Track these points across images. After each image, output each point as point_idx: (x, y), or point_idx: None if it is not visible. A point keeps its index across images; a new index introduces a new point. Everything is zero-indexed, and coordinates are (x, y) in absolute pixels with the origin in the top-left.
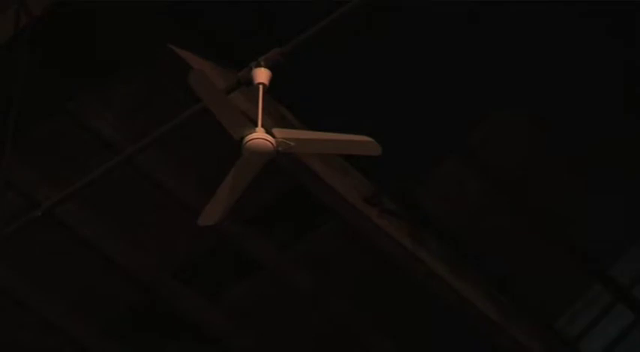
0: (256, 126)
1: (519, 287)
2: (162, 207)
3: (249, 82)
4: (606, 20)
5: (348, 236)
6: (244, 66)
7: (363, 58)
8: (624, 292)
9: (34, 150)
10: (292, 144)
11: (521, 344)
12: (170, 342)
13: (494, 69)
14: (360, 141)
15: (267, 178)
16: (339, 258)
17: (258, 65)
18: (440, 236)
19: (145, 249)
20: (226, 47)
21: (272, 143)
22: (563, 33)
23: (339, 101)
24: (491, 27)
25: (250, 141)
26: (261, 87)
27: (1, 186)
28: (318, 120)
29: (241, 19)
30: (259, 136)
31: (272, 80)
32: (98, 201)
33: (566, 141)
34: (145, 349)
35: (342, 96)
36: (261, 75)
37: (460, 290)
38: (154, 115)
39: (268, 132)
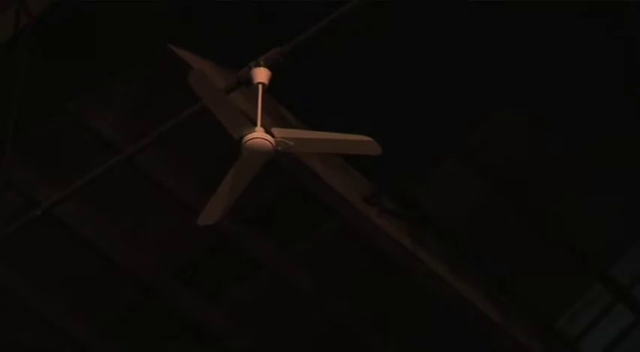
0: (256, 125)
1: (519, 287)
2: (162, 207)
3: (248, 82)
4: (606, 20)
5: (348, 235)
6: (244, 66)
7: (363, 58)
8: (624, 292)
9: (34, 150)
10: (292, 143)
11: (521, 344)
12: (170, 342)
13: (494, 69)
14: (359, 141)
15: (267, 178)
16: (339, 258)
17: (258, 65)
18: (440, 236)
19: (145, 249)
20: (226, 47)
21: (271, 143)
22: (563, 33)
23: (338, 101)
24: (491, 27)
25: (250, 141)
26: (260, 86)
27: (1, 186)
28: (317, 120)
29: (241, 19)
30: (259, 136)
31: (271, 80)
32: (98, 201)
33: (566, 141)
34: (145, 349)
35: (342, 96)
36: (261, 74)
37: (460, 290)
38: (154, 115)
39: (268, 131)
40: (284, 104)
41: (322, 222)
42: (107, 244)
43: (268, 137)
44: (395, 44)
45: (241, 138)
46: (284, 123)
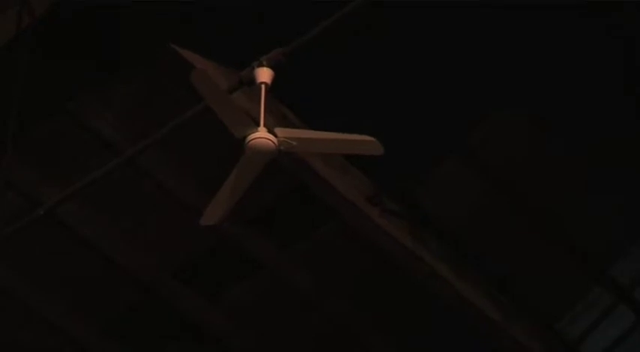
0: (258, 125)
1: (519, 288)
2: (162, 207)
3: (251, 82)
4: (606, 20)
5: (347, 236)
6: (245, 66)
7: (363, 58)
8: (624, 293)
9: (34, 150)
10: (294, 143)
11: (521, 344)
12: (170, 342)
13: (494, 69)
14: (362, 141)
15: (268, 179)
16: (338, 258)
17: (261, 65)
18: (440, 236)
19: (145, 249)
20: (226, 47)
21: (274, 142)
22: (563, 33)
23: (339, 101)
24: (491, 27)
25: (253, 141)
26: (263, 86)
27: (1, 186)
28: (317, 121)
29: (241, 19)
30: (262, 136)
31: (273, 80)
32: (98, 201)
33: (566, 141)
34: (145, 349)
35: (342, 96)
36: (264, 74)
37: (460, 289)
38: (154, 115)
39: (271, 131)
40: (284, 104)
41: (322, 222)
42: (107, 244)
43: (271, 137)
44: (395, 44)
45: (244, 137)
46: (286, 123)
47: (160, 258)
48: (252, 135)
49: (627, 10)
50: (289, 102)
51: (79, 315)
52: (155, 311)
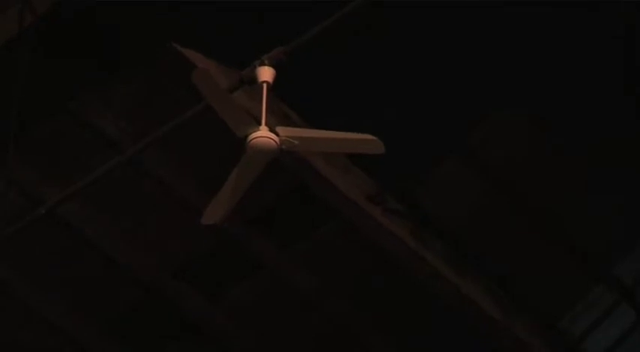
0: (260, 124)
1: (519, 288)
2: (162, 207)
3: (252, 81)
4: (606, 20)
5: (348, 236)
6: (245, 67)
7: (363, 58)
8: (626, 293)
9: (35, 149)
10: (296, 142)
11: (522, 341)
12: (170, 342)
13: (494, 69)
14: (364, 140)
15: (269, 179)
16: (339, 258)
17: (262, 63)
18: (440, 236)
19: (145, 249)
20: (226, 47)
21: (276, 141)
22: (563, 33)
23: (339, 101)
24: (491, 27)
25: (255, 140)
26: (265, 85)
27: (2, 186)
28: (317, 120)
29: (241, 19)
30: (263, 134)
31: (274, 79)
32: (99, 201)
33: (566, 141)
34: (145, 349)
35: (342, 96)
36: (265, 73)
37: (461, 288)
38: (154, 115)
39: (272, 130)
40: (286, 103)
41: (322, 222)
42: (108, 244)
43: (273, 136)
44: (395, 44)
45: (246, 137)
46: (288, 122)
47: (160, 257)
48: (254, 134)
49: (627, 10)
50: (290, 102)
51: (79, 315)
52: (155, 311)
